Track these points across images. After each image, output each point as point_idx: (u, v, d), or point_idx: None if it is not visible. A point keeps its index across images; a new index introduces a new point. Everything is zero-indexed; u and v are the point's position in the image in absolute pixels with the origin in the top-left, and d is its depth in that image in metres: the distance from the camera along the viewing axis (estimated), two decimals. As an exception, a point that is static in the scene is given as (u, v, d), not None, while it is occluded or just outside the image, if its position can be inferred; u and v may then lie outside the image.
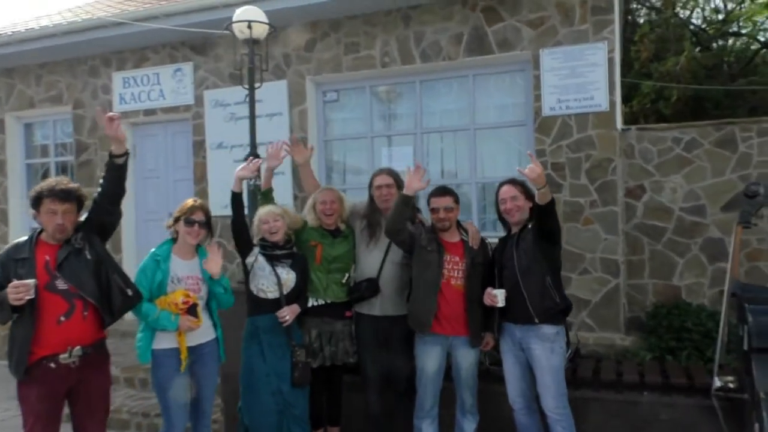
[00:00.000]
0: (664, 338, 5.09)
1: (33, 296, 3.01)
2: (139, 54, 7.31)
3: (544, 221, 3.53)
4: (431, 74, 6.25)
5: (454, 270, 3.79)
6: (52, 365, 3.13)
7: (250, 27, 4.81)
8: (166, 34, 6.79)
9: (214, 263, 3.67)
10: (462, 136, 6.23)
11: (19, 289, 2.96)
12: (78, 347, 3.19)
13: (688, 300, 5.46)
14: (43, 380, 3.12)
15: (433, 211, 3.86)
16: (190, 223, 3.63)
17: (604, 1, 5.48)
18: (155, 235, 6.78)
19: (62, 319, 3.15)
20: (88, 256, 3.27)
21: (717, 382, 3.82)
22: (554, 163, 5.62)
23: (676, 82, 12.44)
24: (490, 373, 4.36)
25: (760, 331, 3.56)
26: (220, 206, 6.69)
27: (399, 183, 4.17)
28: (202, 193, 6.98)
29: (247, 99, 5.03)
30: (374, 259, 4.12)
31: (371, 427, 4.23)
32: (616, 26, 5.49)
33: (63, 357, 3.14)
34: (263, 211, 4.02)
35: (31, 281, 3.02)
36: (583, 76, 5.53)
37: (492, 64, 5.97)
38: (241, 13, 4.91)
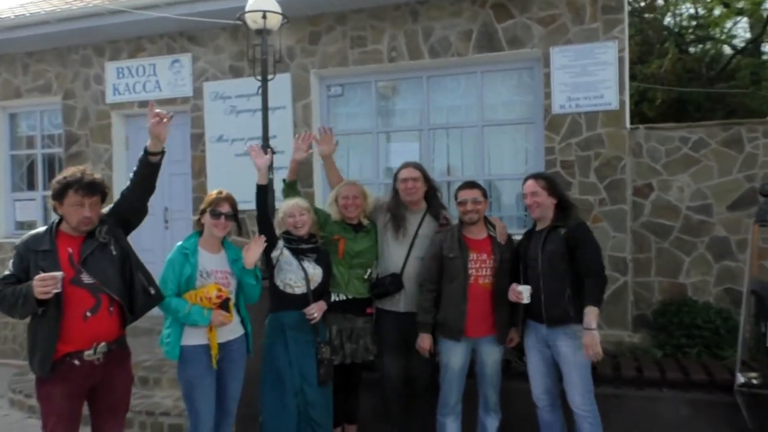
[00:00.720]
0: (674, 335, 5.13)
1: (60, 290, 2.87)
2: (134, 43, 7.11)
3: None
4: (438, 70, 6.21)
5: (482, 268, 3.75)
6: (77, 362, 3.02)
7: (264, 17, 4.69)
8: (164, 23, 6.61)
9: (254, 253, 3.57)
10: (469, 132, 6.20)
11: (47, 282, 2.82)
12: (103, 343, 3.07)
13: (694, 298, 5.53)
14: (66, 378, 3.00)
15: (461, 204, 3.81)
16: (216, 215, 3.53)
17: (614, 1, 5.51)
18: (149, 230, 6.63)
19: (88, 314, 3.03)
20: (114, 252, 3.15)
21: (740, 378, 3.85)
22: (563, 161, 5.63)
23: (660, 85, 12.67)
24: (510, 370, 4.34)
25: (785, 328, 3.61)
26: (219, 201, 6.59)
27: (426, 176, 4.12)
28: (201, 187, 6.83)
29: (259, 91, 4.91)
30: (398, 254, 4.06)
31: (389, 424, 4.18)
32: (626, 26, 5.52)
33: (88, 354, 3.03)
34: (289, 204, 3.92)
35: (58, 273, 2.88)
36: (593, 74, 5.55)
37: (501, 61, 5.95)
38: (253, 3, 4.79)
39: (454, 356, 3.81)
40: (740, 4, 14.32)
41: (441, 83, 6.27)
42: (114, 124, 7.24)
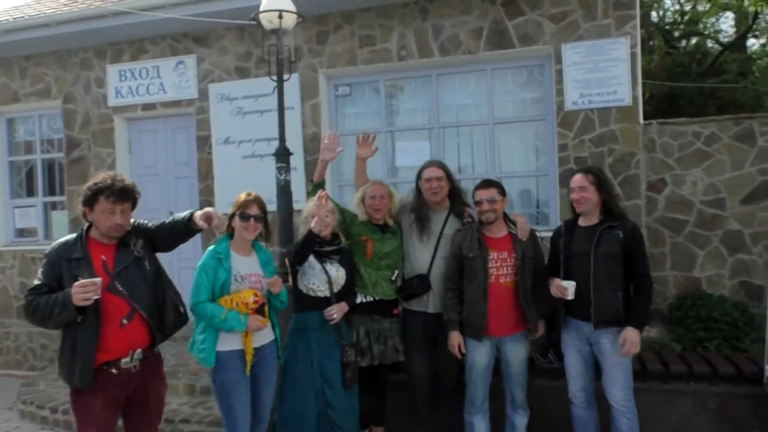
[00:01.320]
0: (692, 329, 5.15)
1: (99, 296, 2.83)
2: (136, 46, 7.00)
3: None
4: (448, 68, 6.18)
5: (503, 267, 3.74)
6: (114, 371, 2.99)
7: (281, 17, 4.62)
8: (167, 24, 6.52)
9: (280, 283, 3.54)
10: (480, 131, 6.18)
11: (87, 288, 2.77)
12: (139, 350, 3.06)
13: (709, 291, 5.56)
14: (105, 387, 2.97)
15: (477, 204, 3.80)
16: (245, 217, 3.49)
17: (626, -4, 5.52)
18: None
19: (125, 322, 3.00)
20: (148, 267, 3.15)
21: (769, 371, 3.88)
22: (577, 157, 5.63)
23: (652, 80, 12.76)
24: (535, 368, 4.33)
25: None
26: (226, 203, 6.44)
27: (449, 175, 4.09)
28: (207, 190, 6.75)
29: (274, 92, 4.82)
30: (424, 255, 4.04)
31: (417, 425, 4.15)
32: (638, 21, 5.53)
33: (125, 361, 3.00)
34: (312, 204, 3.88)
35: (98, 279, 2.84)
36: (605, 70, 5.56)
37: (513, 58, 5.94)
38: (268, 2, 4.72)
39: (479, 355, 3.80)
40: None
41: (450, 81, 6.24)
42: (117, 127, 7.12)
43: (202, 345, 3.38)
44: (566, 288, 3.54)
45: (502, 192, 3.86)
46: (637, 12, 5.55)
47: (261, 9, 4.72)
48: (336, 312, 3.74)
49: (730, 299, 5.39)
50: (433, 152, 6.21)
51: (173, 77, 6.86)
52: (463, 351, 3.81)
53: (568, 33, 5.66)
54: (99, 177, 3.08)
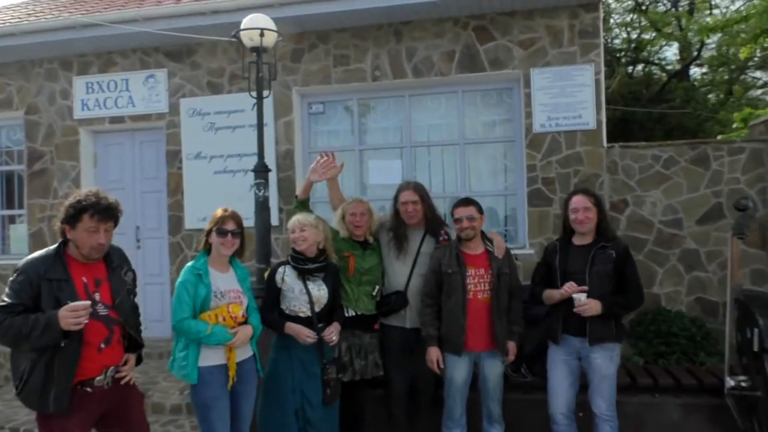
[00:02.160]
0: (653, 343, 5.38)
1: (88, 320, 2.77)
2: (105, 58, 6.92)
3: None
4: (420, 89, 6.35)
5: (480, 283, 3.85)
6: (89, 389, 2.94)
7: (262, 35, 4.68)
8: (138, 38, 6.49)
9: (242, 341, 3.49)
10: (450, 150, 6.35)
11: (79, 313, 2.71)
12: (112, 367, 3.02)
13: (668, 307, 5.81)
14: (80, 406, 2.91)
15: (457, 221, 3.90)
16: (222, 233, 3.48)
17: (591, 26, 5.81)
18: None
19: (103, 346, 2.96)
20: (132, 299, 3.22)
21: (730, 382, 4.09)
22: (544, 178, 5.85)
23: (609, 104, 13.28)
24: (508, 381, 4.45)
25: (773, 333, 3.86)
26: (196, 219, 6.48)
27: (425, 197, 4.17)
28: (177, 205, 6.69)
29: (254, 108, 4.85)
30: (402, 271, 4.13)
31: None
32: (602, 50, 5.82)
33: (99, 380, 2.96)
34: (292, 219, 3.90)
35: (87, 303, 2.78)
36: (571, 95, 5.82)
37: (483, 81, 6.15)
38: (250, 20, 4.78)
39: (457, 370, 3.89)
40: (669, 30, 15.35)
41: (423, 102, 6.40)
42: (82, 140, 6.99)
43: (183, 362, 3.35)
44: (585, 304, 3.60)
45: (480, 210, 3.96)
46: (601, 41, 5.84)
47: (242, 27, 4.77)
48: (335, 334, 3.76)
49: (687, 315, 5.65)
50: (405, 171, 6.34)
51: (143, 91, 6.80)
52: (442, 366, 3.88)
53: (536, 58, 5.90)
54: (81, 194, 2.96)
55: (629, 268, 3.76)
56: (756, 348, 3.91)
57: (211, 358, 3.40)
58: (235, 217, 3.56)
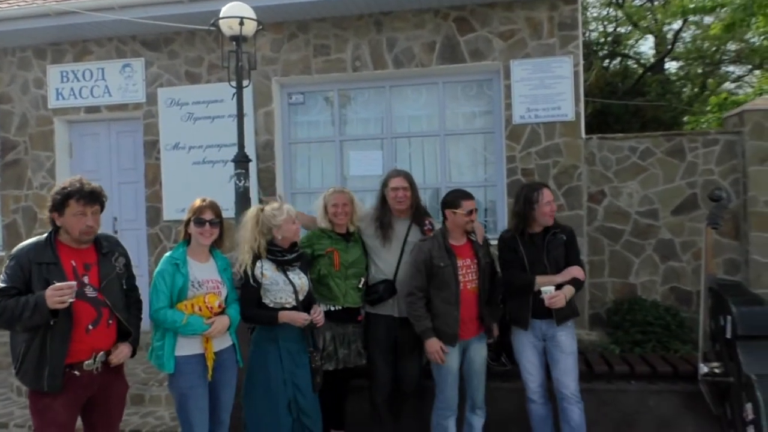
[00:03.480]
0: (630, 332, 5.48)
1: (74, 299, 2.87)
2: (80, 47, 6.80)
3: None
4: (401, 80, 6.34)
5: (468, 273, 3.89)
6: (77, 372, 3.02)
7: (242, 23, 4.63)
8: (114, 26, 6.39)
9: (218, 332, 3.47)
10: (430, 141, 6.36)
11: (63, 291, 2.81)
12: (102, 353, 3.10)
13: (643, 296, 5.93)
14: (67, 388, 3.00)
15: (469, 213, 3.89)
16: (200, 223, 3.48)
17: (569, 18, 5.85)
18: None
19: (90, 327, 3.05)
20: (124, 286, 3.28)
21: (704, 369, 4.19)
22: (524, 169, 5.90)
23: (587, 97, 13.41)
24: (490, 370, 4.50)
25: (744, 321, 3.95)
26: (175, 210, 6.42)
27: (413, 186, 4.19)
28: (155, 196, 6.62)
29: (233, 98, 4.81)
30: (390, 260, 4.14)
31: (377, 427, 4.22)
32: (580, 42, 5.87)
33: (87, 363, 3.04)
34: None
35: (72, 283, 2.88)
36: (550, 87, 5.86)
37: (463, 72, 6.17)
38: (229, 9, 4.72)
39: (452, 360, 3.90)
40: (645, 24, 15.57)
41: (403, 93, 6.40)
42: (57, 130, 6.87)
43: (160, 351, 3.38)
44: (555, 296, 3.76)
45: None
46: (580, 33, 5.89)
47: (221, 15, 4.71)
48: (321, 315, 3.75)
49: (662, 304, 5.77)
50: (386, 162, 6.34)
51: (119, 80, 6.70)
52: (443, 357, 3.84)
53: (516, 50, 5.93)
54: (66, 182, 3.10)
55: (574, 251, 3.98)
56: (729, 335, 4.00)
57: (187, 347, 3.41)
58: (213, 207, 3.56)
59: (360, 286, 4.12)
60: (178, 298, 3.40)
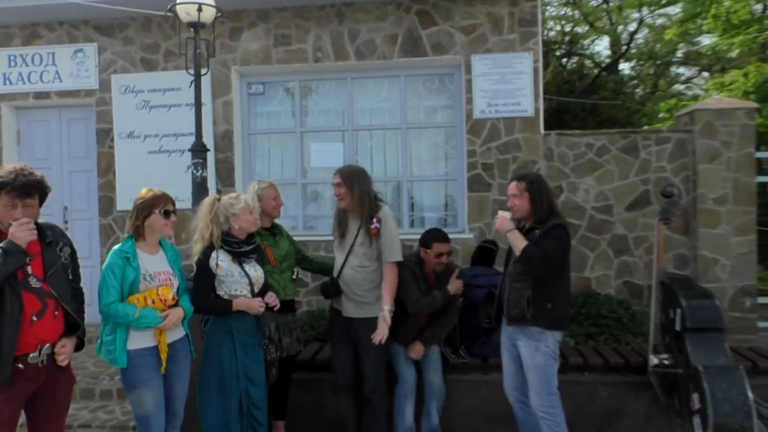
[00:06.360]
0: (584, 325, 5.58)
1: (35, 237, 2.88)
2: (29, 30, 6.53)
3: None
4: (362, 72, 6.32)
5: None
6: (21, 366, 2.89)
7: (200, 9, 4.53)
8: (65, 10, 6.17)
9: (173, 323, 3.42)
10: (392, 134, 6.36)
11: (29, 225, 2.82)
12: (47, 345, 2.98)
13: (597, 290, 6.05)
14: (12, 382, 2.86)
15: (438, 255, 4.11)
16: (167, 214, 3.41)
17: (530, 15, 5.92)
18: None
19: (34, 318, 2.92)
20: (70, 276, 3.17)
21: (653, 360, 4.30)
22: (484, 163, 5.96)
23: (543, 94, 13.62)
24: (448, 362, 4.55)
25: (693, 314, 4.08)
26: (129, 200, 6.13)
27: (349, 182, 3.94)
28: (108, 185, 6.44)
29: (191, 86, 4.72)
30: (338, 260, 4.10)
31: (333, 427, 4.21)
32: (540, 38, 5.94)
33: (33, 356, 2.92)
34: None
35: (26, 219, 2.84)
36: (511, 82, 5.93)
37: (425, 66, 6.18)
38: (186, -6, 4.61)
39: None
40: (601, 24, 15.94)
41: (365, 85, 6.38)
42: (4, 116, 6.60)
43: (111, 346, 3.29)
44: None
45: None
46: (539, 29, 5.97)
47: (179, 1, 4.60)
48: (275, 299, 3.71)
49: (615, 298, 5.91)
50: (347, 154, 6.31)
51: (71, 66, 6.48)
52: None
53: (478, 45, 5.97)
54: (4, 170, 2.95)
55: (543, 240, 3.54)
56: (678, 327, 4.11)
57: (140, 340, 3.33)
58: (171, 198, 3.50)
59: (294, 277, 4.15)
60: (130, 291, 3.32)
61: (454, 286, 4.15)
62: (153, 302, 3.31)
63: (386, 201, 4.17)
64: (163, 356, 3.37)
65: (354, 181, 3.94)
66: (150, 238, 3.44)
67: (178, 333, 3.52)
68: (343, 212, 4.07)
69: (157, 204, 3.41)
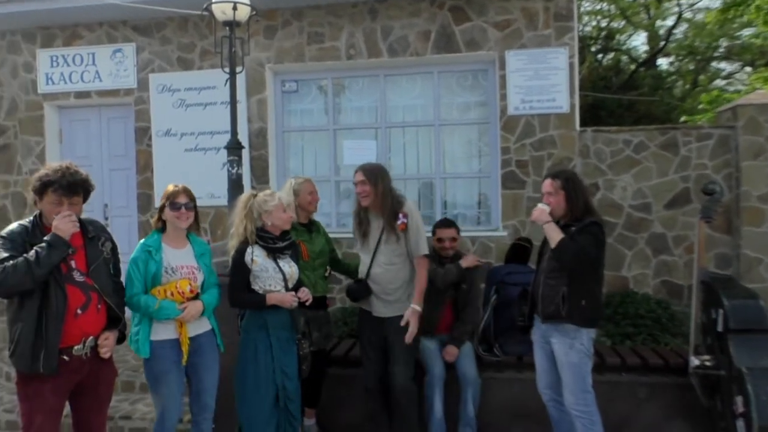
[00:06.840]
0: (621, 325, 5.47)
1: (77, 229, 2.98)
2: (70, 31, 6.69)
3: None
4: (395, 69, 6.30)
5: None
6: (66, 357, 3.00)
7: (235, 8, 4.58)
8: (104, 11, 6.28)
9: (191, 316, 3.47)
10: (425, 131, 6.33)
11: (72, 217, 2.91)
12: (91, 338, 3.09)
13: (635, 290, 5.93)
14: (57, 373, 2.97)
15: (439, 241, 4.28)
16: (176, 207, 3.47)
17: (565, 9, 5.82)
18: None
19: (79, 311, 3.03)
20: (111, 271, 3.25)
21: (695, 361, 4.19)
22: (518, 160, 5.89)
23: (581, 90, 13.41)
24: (482, 360, 4.51)
25: (736, 314, 3.96)
26: (166, 198, 6.34)
27: (373, 180, 3.92)
28: (146, 183, 6.56)
29: (226, 84, 4.78)
30: (364, 260, 4.09)
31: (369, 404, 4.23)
32: (576, 33, 5.84)
33: (77, 348, 3.03)
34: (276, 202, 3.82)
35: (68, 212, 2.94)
36: (545, 78, 5.84)
37: (458, 62, 6.13)
38: (221, -7, 4.67)
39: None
40: (638, 19, 15.61)
41: (398, 82, 6.36)
42: (47, 115, 6.78)
43: (136, 336, 3.42)
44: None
45: (458, 231, 4.47)
46: (575, 24, 5.87)
47: (215, 0, 4.65)
48: (308, 294, 3.73)
49: (653, 297, 5.77)
50: (380, 152, 6.30)
51: (110, 65, 6.62)
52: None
53: (512, 41, 5.90)
54: (50, 167, 3.04)
55: (579, 235, 3.50)
56: (720, 328, 4.01)
57: (162, 332, 3.43)
58: (187, 191, 3.56)
59: (326, 275, 4.20)
60: (153, 283, 3.42)
61: (467, 260, 4.35)
62: (172, 294, 3.40)
63: (405, 197, 4.12)
64: (184, 348, 3.46)
65: (378, 179, 3.93)
66: (171, 231, 3.53)
67: (202, 327, 3.59)
68: (363, 212, 4.03)
69: (169, 197, 3.50)
